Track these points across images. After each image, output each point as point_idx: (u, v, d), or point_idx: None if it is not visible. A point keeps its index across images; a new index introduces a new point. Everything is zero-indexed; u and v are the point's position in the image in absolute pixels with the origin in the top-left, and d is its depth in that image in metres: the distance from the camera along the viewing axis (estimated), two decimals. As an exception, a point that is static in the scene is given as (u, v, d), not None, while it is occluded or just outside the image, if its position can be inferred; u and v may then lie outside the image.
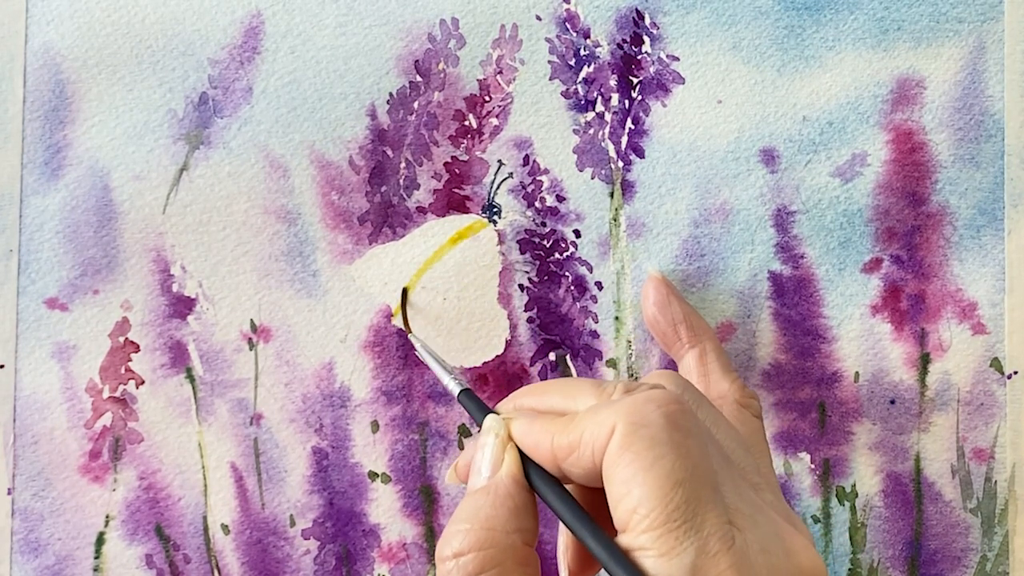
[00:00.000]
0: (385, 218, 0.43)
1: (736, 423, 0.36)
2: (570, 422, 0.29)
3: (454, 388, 0.36)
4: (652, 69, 0.43)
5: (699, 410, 0.31)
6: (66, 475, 0.43)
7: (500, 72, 0.43)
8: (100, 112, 0.43)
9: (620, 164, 0.43)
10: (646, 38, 0.43)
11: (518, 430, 0.30)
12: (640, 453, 0.26)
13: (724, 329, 0.43)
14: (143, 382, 0.43)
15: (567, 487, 0.30)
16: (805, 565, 0.27)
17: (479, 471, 0.30)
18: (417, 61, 0.43)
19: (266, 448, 0.43)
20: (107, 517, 0.43)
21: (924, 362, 0.42)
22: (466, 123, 0.43)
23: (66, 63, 0.43)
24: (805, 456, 0.42)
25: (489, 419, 0.31)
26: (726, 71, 0.43)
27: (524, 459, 0.30)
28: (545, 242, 0.43)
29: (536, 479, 0.30)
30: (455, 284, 0.43)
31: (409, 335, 0.41)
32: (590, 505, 0.30)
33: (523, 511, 0.29)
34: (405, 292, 0.43)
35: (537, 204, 0.43)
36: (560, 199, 0.43)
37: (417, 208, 0.43)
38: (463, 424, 0.43)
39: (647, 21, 0.43)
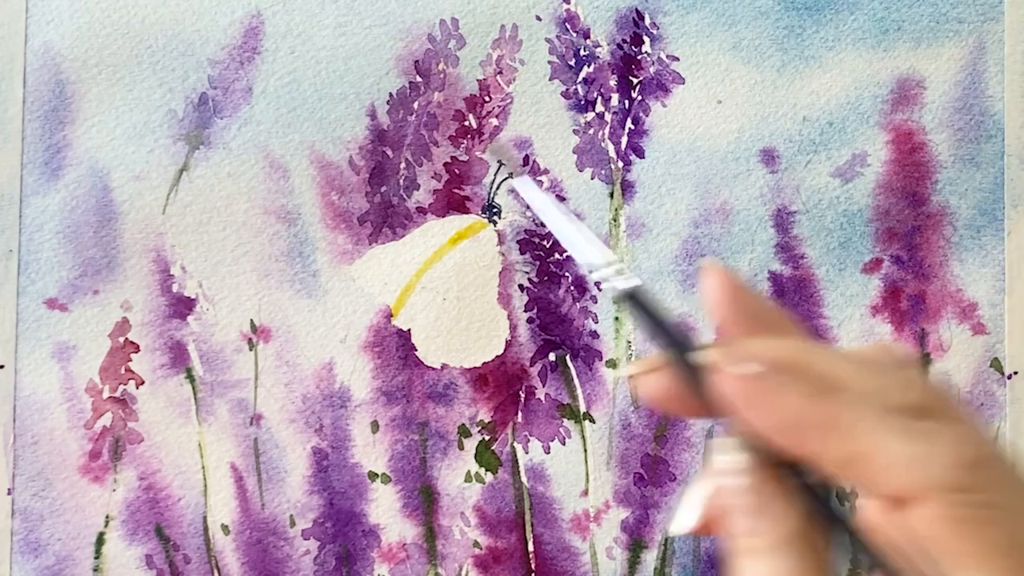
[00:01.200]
0: (385, 218, 0.43)
1: None
2: (835, 419, 0.22)
3: (619, 281, 0.25)
4: (652, 69, 0.43)
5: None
6: (66, 475, 0.43)
7: (500, 72, 0.43)
8: (100, 112, 0.43)
9: (620, 164, 0.43)
10: (646, 38, 0.43)
11: (754, 398, 0.23)
12: (968, 520, 0.22)
13: (724, 329, 0.43)
14: (143, 382, 0.43)
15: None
16: None
17: (754, 525, 0.23)
18: (417, 61, 0.43)
19: (266, 448, 0.43)
20: (107, 517, 0.43)
21: (924, 362, 0.42)
22: (466, 123, 0.43)
23: (66, 63, 0.43)
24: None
25: (725, 445, 0.24)
26: (726, 71, 0.43)
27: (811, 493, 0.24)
28: (545, 242, 0.43)
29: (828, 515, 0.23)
30: (455, 284, 0.43)
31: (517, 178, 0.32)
32: None
33: (828, 562, 0.23)
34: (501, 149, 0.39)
35: (537, 204, 0.43)
36: (560, 199, 0.43)
37: (417, 208, 0.43)
38: (463, 424, 0.43)
39: (647, 21, 0.43)
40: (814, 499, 0.23)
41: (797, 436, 0.23)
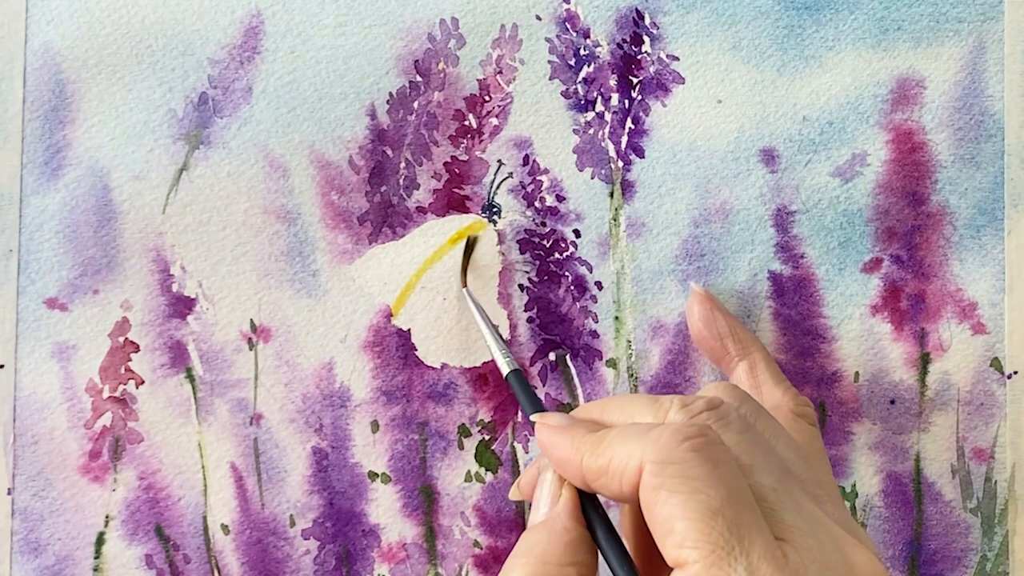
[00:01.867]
0: (385, 218, 0.43)
1: (792, 433, 0.36)
2: (599, 443, 0.29)
3: (503, 367, 0.37)
4: (652, 69, 0.43)
5: (757, 421, 0.31)
6: (66, 475, 0.43)
7: (500, 72, 0.43)
8: (100, 112, 0.43)
9: (620, 164, 0.43)
10: (646, 38, 0.43)
11: (547, 440, 0.31)
12: (674, 490, 0.26)
13: (724, 329, 0.43)
14: (143, 382, 0.43)
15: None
16: None
17: (538, 507, 0.31)
18: (417, 61, 0.43)
19: (266, 448, 0.43)
20: (107, 517, 0.43)
21: (924, 362, 0.42)
22: (466, 123, 0.43)
23: (66, 63, 0.43)
24: (805, 456, 0.42)
25: (546, 466, 0.32)
26: (726, 71, 0.43)
27: (583, 494, 0.31)
28: (545, 242, 0.43)
29: (591, 514, 0.30)
30: (455, 284, 0.43)
31: (465, 290, 0.41)
32: (644, 531, 0.31)
33: (579, 545, 0.30)
34: (471, 242, 0.42)
35: (537, 204, 0.43)
36: (560, 199, 0.43)
37: (417, 208, 0.43)
38: (463, 424, 0.43)
39: (647, 21, 0.43)
40: (586, 501, 0.31)
41: (569, 467, 0.30)
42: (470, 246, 0.42)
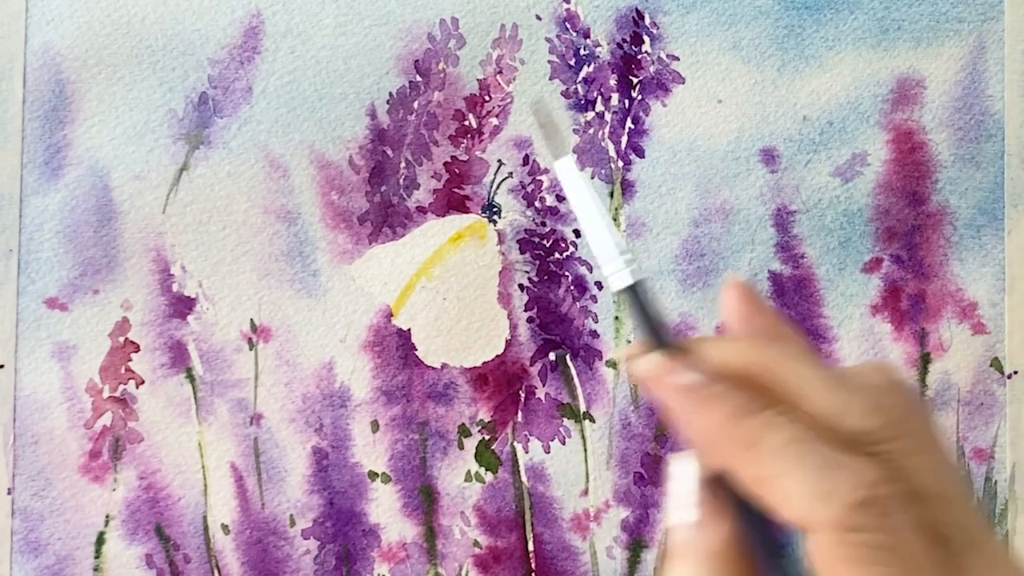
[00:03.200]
0: (385, 218, 0.43)
1: None
2: (758, 442, 0.23)
3: (620, 278, 0.26)
4: (652, 69, 0.43)
5: (932, 437, 0.26)
6: (66, 475, 0.43)
7: (500, 72, 0.43)
8: (100, 112, 0.43)
9: (620, 164, 0.43)
10: (646, 38, 0.43)
11: (680, 407, 0.24)
12: (854, 559, 0.23)
13: (724, 329, 0.43)
14: (143, 382, 0.43)
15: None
16: None
17: (682, 505, 0.25)
18: (417, 61, 0.43)
19: (266, 448, 0.43)
20: (107, 517, 0.43)
21: (924, 362, 0.42)
22: (466, 123, 0.43)
23: (66, 63, 0.43)
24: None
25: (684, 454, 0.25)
26: (726, 71, 0.43)
27: (743, 507, 0.25)
28: (545, 242, 0.43)
29: (762, 547, 0.25)
30: (455, 284, 0.43)
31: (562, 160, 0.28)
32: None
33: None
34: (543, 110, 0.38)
35: (537, 204, 0.43)
36: (560, 199, 0.43)
37: (417, 208, 0.43)
38: (463, 424, 0.43)
39: (647, 21, 0.43)
40: (749, 516, 0.24)
41: (716, 450, 0.24)
42: (544, 114, 0.33)
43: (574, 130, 0.43)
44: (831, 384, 0.24)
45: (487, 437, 0.43)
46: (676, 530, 0.25)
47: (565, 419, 0.43)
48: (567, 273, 0.43)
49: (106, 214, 0.43)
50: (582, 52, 0.43)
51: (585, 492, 0.42)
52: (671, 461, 0.25)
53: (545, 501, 0.43)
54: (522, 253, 0.43)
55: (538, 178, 0.43)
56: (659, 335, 0.25)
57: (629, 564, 0.42)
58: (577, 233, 0.43)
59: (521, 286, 0.43)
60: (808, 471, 0.23)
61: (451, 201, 0.43)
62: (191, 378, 0.43)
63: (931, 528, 0.24)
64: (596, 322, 0.43)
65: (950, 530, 0.24)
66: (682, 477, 0.25)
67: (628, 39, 0.43)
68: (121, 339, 0.43)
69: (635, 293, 0.26)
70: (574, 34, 0.43)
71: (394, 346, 0.43)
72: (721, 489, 0.25)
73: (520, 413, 0.43)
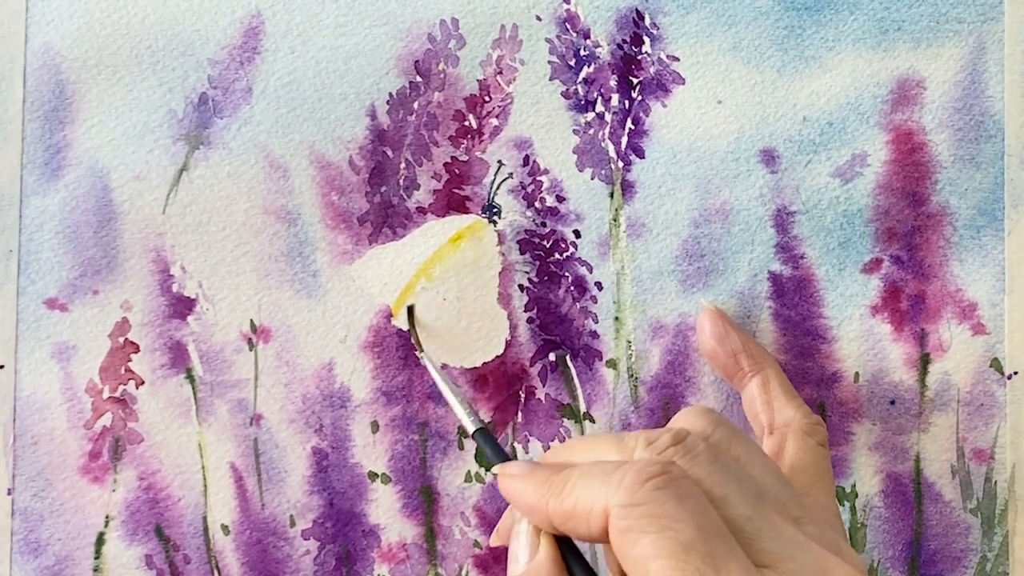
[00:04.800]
0: (385, 218, 0.43)
1: (800, 452, 0.36)
2: (564, 484, 0.29)
3: (469, 425, 0.36)
4: (652, 69, 0.43)
5: (731, 446, 0.31)
6: (66, 475, 0.43)
7: (500, 72, 0.43)
8: (100, 112, 0.43)
9: (620, 164, 0.43)
10: (646, 38, 0.43)
11: (510, 489, 0.31)
12: (643, 530, 0.26)
13: (724, 329, 0.43)
14: (143, 382, 0.43)
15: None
16: None
17: (515, 559, 0.31)
18: (417, 61, 0.43)
19: (266, 448, 0.43)
20: (107, 517, 0.43)
21: (924, 362, 0.42)
22: (466, 123, 0.43)
23: (66, 63, 0.43)
24: (805, 456, 0.42)
25: (519, 517, 0.32)
26: (726, 71, 0.43)
27: (560, 541, 0.31)
28: (545, 242, 0.43)
29: (570, 560, 0.30)
30: (455, 284, 0.43)
31: (421, 356, 0.41)
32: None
33: None
34: (411, 310, 0.42)
35: (537, 204, 0.43)
36: (560, 199, 0.43)
37: (417, 208, 0.43)
38: (463, 424, 0.43)
39: (647, 21, 0.43)
40: (564, 547, 0.31)
41: (538, 511, 0.30)
42: (412, 314, 0.42)
43: (574, 131, 0.43)
44: (614, 437, 0.31)
45: (487, 437, 0.43)
46: (512, 566, 0.31)
47: (565, 419, 0.43)
48: (567, 273, 0.43)
49: (106, 214, 0.43)
50: (582, 53, 0.43)
51: (585, 492, 0.42)
52: (515, 522, 0.32)
53: (545, 501, 0.43)
54: (522, 253, 0.43)
55: (538, 179, 0.43)
56: (502, 454, 0.35)
57: (629, 564, 0.42)
58: (577, 233, 0.43)
59: (521, 286, 0.43)
60: (597, 477, 0.28)
61: (451, 201, 0.43)
62: (191, 379, 0.43)
63: (720, 516, 0.27)
64: (596, 322, 0.43)
65: (740, 522, 0.27)
66: (518, 527, 0.31)
67: (628, 40, 0.43)
68: (121, 339, 0.43)
69: (486, 433, 0.36)
70: (574, 35, 0.43)
71: (394, 346, 0.43)
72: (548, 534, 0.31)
73: (520, 413, 0.43)
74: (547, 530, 0.30)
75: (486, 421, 0.43)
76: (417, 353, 0.41)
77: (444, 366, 0.43)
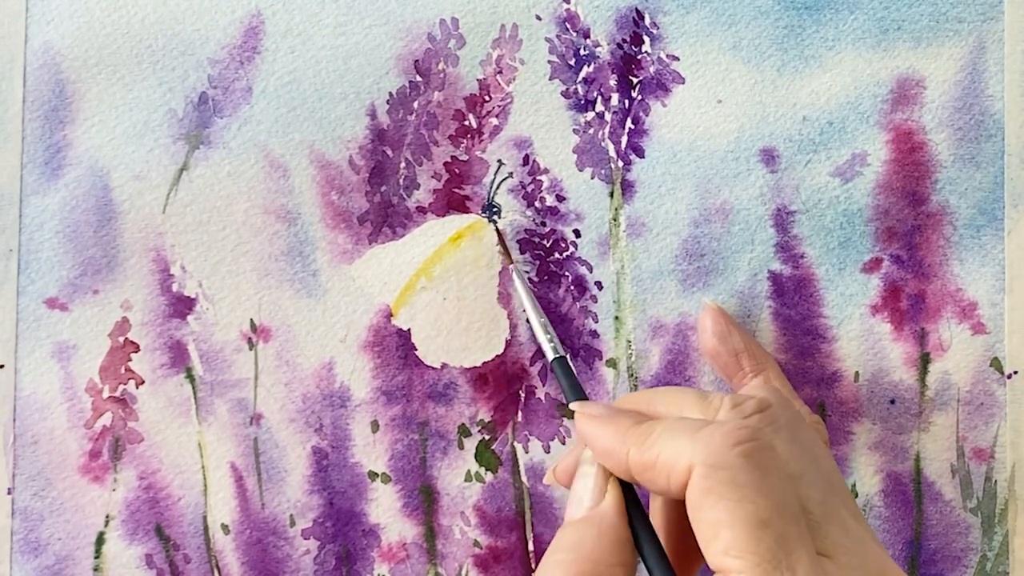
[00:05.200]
0: (385, 218, 0.43)
1: None
2: (647, 435, 0.28)
3: (549, 352, 0.36)
4: (652, 69, 0.43)
5: (799, 430, 0.30)
6: (66, 475, 0.43)
7: (500, 72, 0.43)
8: (100, 112, 0.43)
9: (620, 164, 0.43)
10: (646, 38, 0.43)
11: (589, 430, 0.30)
12: (723, 496, 0.26)
13: (724, 329, 0.43)
14: (143, 382, 0.43)
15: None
16: None
17: (580, 500, 0.30)
18: (417, 61, 0.43)
19: (266, 448, 0.43)
20: (107, 517, 0.43)
21: (924, 362, 0.42)
22: (466, 123, 0.43)
23: (66, 63, 0.43)
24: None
25: (587, 455, 0.31)
26: (726, 71, 0.43)
27: (626, 490, 0.30)
28: (545, 242, 0.43)
29: (633, 512, 0.30)
30: (455, 284, 0.43)
31: (511, 267, 0.40)
32: (679, 521, 0.30)
33: (625, 545, 0.29)
34: (496, 227, 0.42)
35: (537, 204, 0.43)
36: (560, 199, 0.43)
37: (417, 208, 0.43)
38: (463, 424, 0.43)
39: (647, 21, 0.43)
40: (629, 497, 0.30)
41: (616, 458, 0.29)
42: (499, 231, 0.42)
43: (574, 130, 0.43)
44: (698, 393, 0.30)
45: (487, 437, 0.43)
46: (575, 507, 0.30)
47: (565, 419, 0.43)
48: (567, 273, 0.43)
49: (106, 214, 0.43)
50: (582, 52, 0.43)
51: (585, 492, 0.42)
52: (582, 459, 0.31)
53: (545, 501, 0.43)
54: (522, 253, 0.43)
55: (538, 178, 0.43)
56: (579, 390, 0.34)
57: (629, 564, 0.42)
58: (577, 233, 0.43)
59: (521, 286, 0.43)
60: (685, 433, 0.27)
61: (451, 201, 0.43)
62: (191, 378, 0.43)
63: (796, 496, 0.27)
64: (596, 322, 0.43)
65: (810, 504, 0.27)
66: (584, 468, 0.31)
67: (628, 39, 0.43)
68: (121, 339, 0.43)
69: (565, 363, 0.35)
70: (574, 34, 0.43)
71: (394, 346, 0.43)
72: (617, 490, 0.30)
73: (520, 413, 0.43)
74: (621, 477, 0.30)
75: (485, 420, 0.43)
76: (509, 267, 0.41)
77: (443, 366, 0.43)
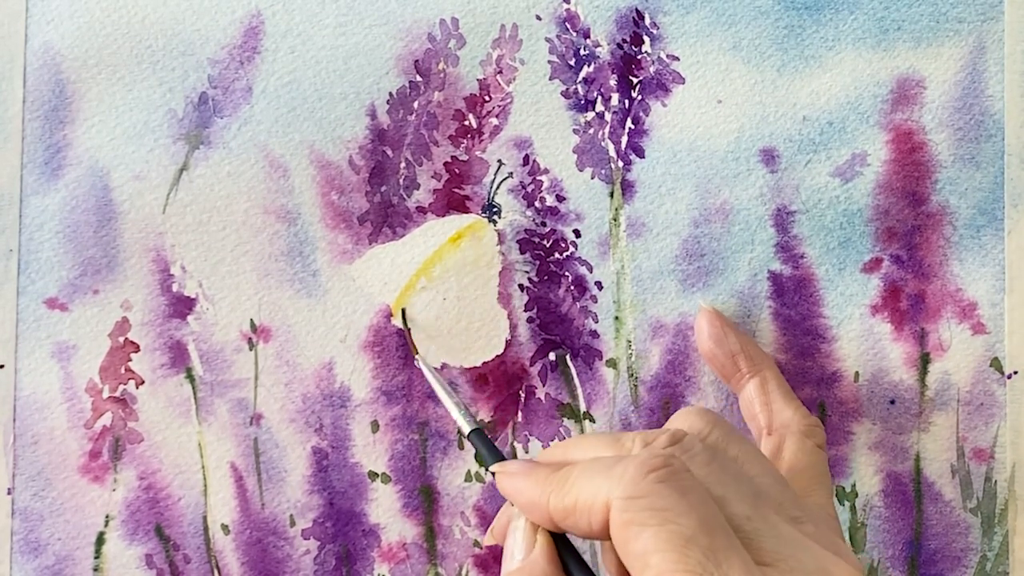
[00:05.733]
0: (385, 218, 0.43)
1: (798, 453, 0.36)
2: (564, 481, 0.29)
3: (465, 426, 0.36)
4: (652, 69, 0.43)
5: (729, 446, 0.31)
6: (66, 475, 0.43)
7: (500, 72, 0.43)
8: (100, 112, 0.43)
9: (620, 164, 0.43)
10: (646, 38, 0.43)
11: (510, 487, 0.31)
12: (644, 523, 0.26)
13: (724, 329, 0.43)
14: (143, 382, 0.43)
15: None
16: None
17: (512, 555, 0.31)
18: (417, 61, 0.43)
19: (266, 448, 0.43)
20: (107, 517, 0.43)
21: (924, 362, 0.42)
22: (466, 123, 0.43)
23: (66, 63, 0.43)
24: (805, 456, 0.42)
25: (516, 513, 0.31)
26: (726, 71, 0.43)
27: (556, 538, 0.30)
28: (545, 242, 0.43)
29: (566, 557, 0.30)
30: (455, 284, 0.43)
31: (416, 358, 0.41)
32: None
33: None
34: (404, 313, 0.42)
35: (537, 204, 0.43)
36: (560, 199, 0.43)
37: (417, 208, 0.43)
38: (459, 426, 0.43)
39: (647, 21, 0.43)
40: (560, 544, 0.30)
41: (537, 509, 0.29)
42: (405, 316, 0.42)
43: (574, 130, 0.43)
44: (610, 436, 0.31)
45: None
46: (508, 562, 0.31)
47: (565, 419, 0.43)
48: (567, 273, 0.43)
49: (106, 214, 0.43)
50: (582, 52, 0.43)
51: (585, 492, 0.42)
52: (512, 518, 0.31)
53: (545, 501, 0.43)
54: (522, 253, 0.43)
55: (538, 178, 0.43)
56: (498, 454, 0.34)
57: (629, 564, 0.42)
58: (577, 233, 0.43)
59: (521, 286, 0.43)
60: (599, 471, 0.28)
61: (451, 201, 0.43)
62: (191, 378, 0.43)
63: (721, 515, 0.27)
64: (596, 322, 0.43)
65: (738, 520, 0.27)
66: (514, 523, 0.31)
67: (628, 39, 0.43)
68: (121, 339, 0.43)
69: (481, 434, 0.36)
70: (574, 34, 0.43)
71: (394, 346, 0.43)
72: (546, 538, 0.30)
73: (520, 413, 0.43)
74: (547, 527, 0.30)
75: (486, 420, 0.43)
76: (414, 356, 0.41)
77: (443, 366, 0.43)
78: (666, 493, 0.26)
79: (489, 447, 0.35)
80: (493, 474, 0.33)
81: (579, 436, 0.35)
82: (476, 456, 0.43)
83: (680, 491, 0.26)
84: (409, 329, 0.42)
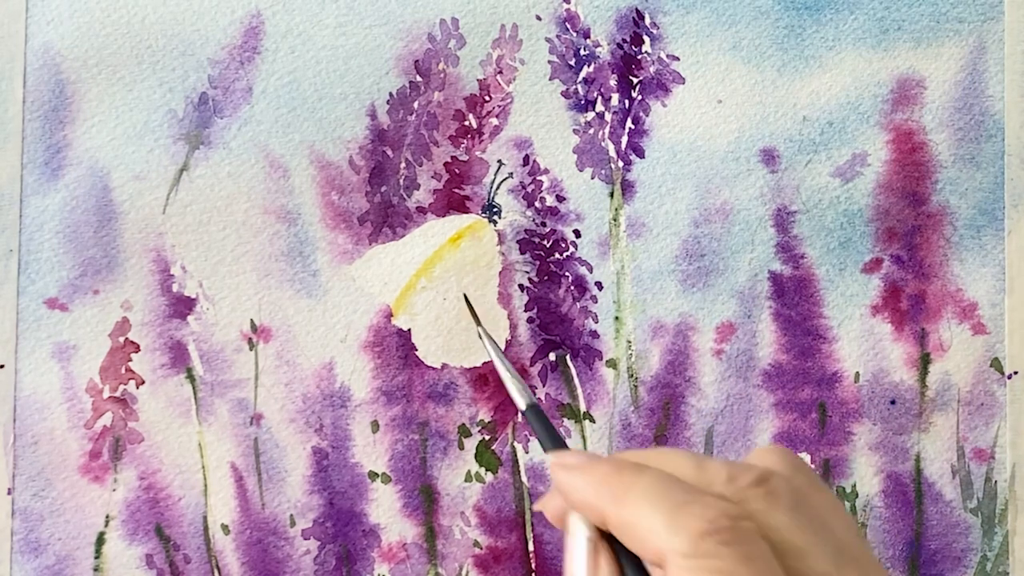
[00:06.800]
0: (385, 218, 0.43)
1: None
2: (623, 495, 0.27)
3: (521, 401, 0.34)
4: (652, 69, 0.43)
5: (813, 495, 0.29)
6: (66, 475, 0.43)
7: (500, 72, 0.43)
8: (100, 112, 0.43)
9: (620, 164, 0.43)
10: (646, 38, 0.43)
11: (565, 482, 0.29)
12: None
13: (724, 329, 0.43)
14: (143, 382, 0.43)
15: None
16: None
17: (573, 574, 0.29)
18: (417, 61, 0.43)
19: (266, 448, 0.43)
20: (107, 517, 0.43)
21: (924, 362, 0.42)
22: (466, 123, 0.43)
23: (66, 63, 0.43)
24: (805, 456, 0.42)
25: (575, 520, 0.29)
26: (726, 71, 0.43)
27: (619, 555, 0.28)
28: (545, 242, 0.43)
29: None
30: (455, 284, 0.43)
31: (478, 330, 0.40)
32: None
33: None
34: (466, 297, 0.42)
35: (537, 204, 0.43)
36: (560, 199, 0.43)
37: (417, 208, 0.43)
38: (463, 424, 0.43)
39: (647, 21, 0.43)
40: (629, 565, 0.28)
41: (594, 510, 0.28)
42: (467, 298, 0.42)
43: (574, 130, 0.43)
44: (694, 459, 0.28)
45: (487, 437, 0.43)
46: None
47: (565, 419, 0.43)
48: (567, 273, 0.43)
49: (106, 214, 0.43)
50: (582, 52, 0.43)
51: (585, 492, 0.42)
52: (570, 523, 0.29)
53: (545, 501, 0.43)
54: (522, 253, 0.43)
55: (538, 178, 0.43)
56: (555, 435, 0.32)
57: (629, 564, 0.42)
58: (577, 233, 0.43)
59: (521, 286, 0.43)
60: (663, 507, 0.26)
61: (451, 201, 0.43)
62: (191, 378, 0.43)
63: (789, 572, 0.26)
64: (596, 322, 0.43)
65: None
66: (574, 538, 0.29)
67: (628, 39, 0.43)
68: (121, 339, 0.43)
69: (538, 411, 0.33)
70: (574, 34, 0.43)
71: (394, 346, 0.43)
72: (607, 547, 0.28)
73: (520, 414, 0.43)
74: (599, 525, 0.28)
75: (485, 421, 0.43)
76: (477, 328, 0.40)
77: (443, 366, 0.43)
78: (729, 556, 0.25)
79: (546, 426, 0.33)
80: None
81: (663, 448, 0.32)
82: (477, 456, 0.43)
83: (745, 558, 0.25)
84: (471, 305, 0.42)
